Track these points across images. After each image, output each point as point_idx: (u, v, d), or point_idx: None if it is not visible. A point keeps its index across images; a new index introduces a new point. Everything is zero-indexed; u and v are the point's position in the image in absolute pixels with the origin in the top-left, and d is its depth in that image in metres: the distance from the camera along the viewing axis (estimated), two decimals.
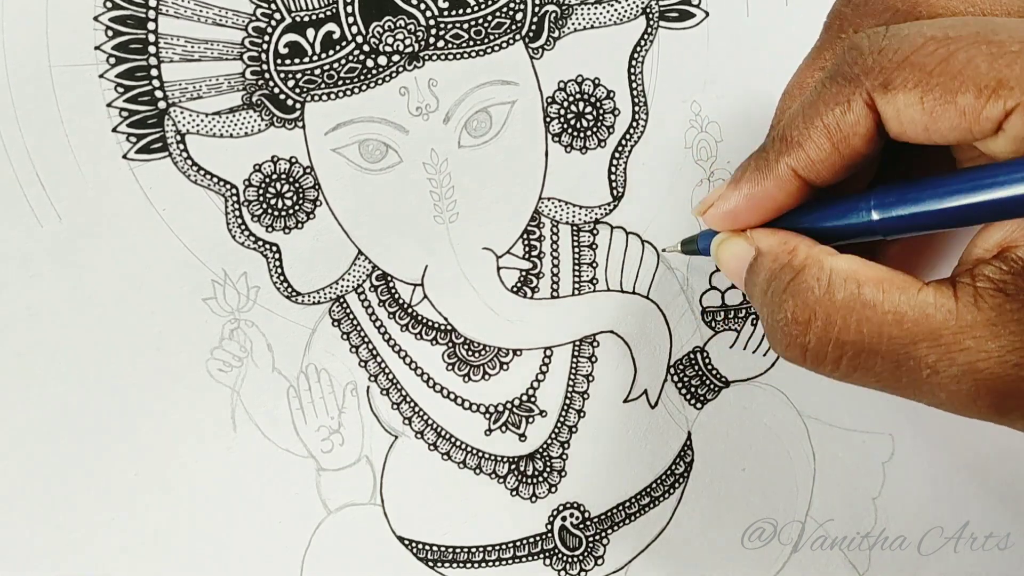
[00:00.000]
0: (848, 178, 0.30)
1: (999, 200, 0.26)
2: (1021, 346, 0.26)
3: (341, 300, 0.38)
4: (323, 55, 0.36)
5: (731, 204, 0.31)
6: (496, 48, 0.37)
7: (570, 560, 0.39)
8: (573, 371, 0.39)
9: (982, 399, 0.27)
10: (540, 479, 0.39)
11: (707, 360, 0.40)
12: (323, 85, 0.36)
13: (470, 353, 0.39)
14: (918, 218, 0.28)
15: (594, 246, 0.39)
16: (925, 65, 0.27)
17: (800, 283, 0.29)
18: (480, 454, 0.39)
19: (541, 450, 0.39)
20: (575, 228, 0.39)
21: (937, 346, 0.27)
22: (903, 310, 0.27)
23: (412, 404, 0.39)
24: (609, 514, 0.40)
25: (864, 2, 0.31)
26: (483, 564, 0.39)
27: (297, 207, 0.37)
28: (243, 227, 0.37)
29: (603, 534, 0.40)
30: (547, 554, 0.39)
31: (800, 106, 0.30)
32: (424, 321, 0.38)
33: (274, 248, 0.37)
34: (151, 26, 0.35)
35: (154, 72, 0.36)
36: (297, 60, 0.36)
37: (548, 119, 0.38)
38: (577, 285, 0.39)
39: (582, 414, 0.39)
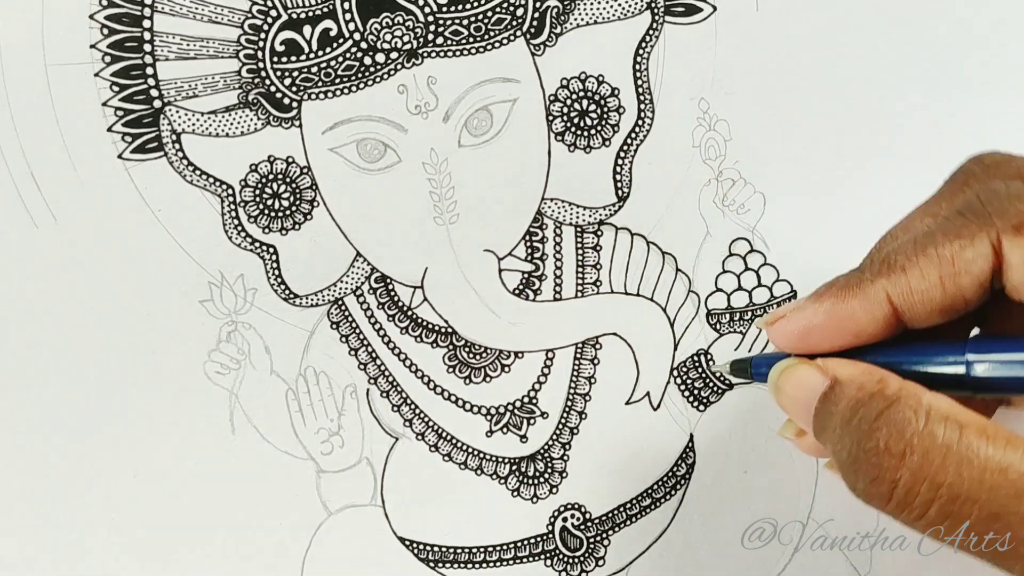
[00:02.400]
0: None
1: None
2: None
3: (339, 302, 0.37)
4: (320, 52, 0.35)
5: (807, 318, 0.28)
6: (497, 45, 0.36)
7: (571, 561, 0.39)
8: (575, 373, 0.39)
9: None
10: (541, 480, 0.39)
11: (711, 363, 0.39)
12: (320, 83, 0.36)
13: (471, 355, 0.38)
14: (1021, 383, 0.26)
15: (598, 248, 0.38)
16: None
17: (896, 412, 0.25)
18: (481, 455, 0.39)
19: (542, 451, 0.39)
20: (579, 229, 0.38)
21: None
22: (1009, 461, 0.25)
23: (413, 406, 0.38)
24: (610, 515, 0.39)
25: (995, 165, 0.29)
26: (484, 565, 0.39)
27: (294, 208, 0.36)
28: (240, 228, 0.36)
29: (604, 535, 0.40)
30: (548, 555, 0.39)
31: (913, 235, 0.27)
32: (424, 324, 0.38)
33: (271, 250, 0.37)
34: (146, 24, 0.35)
35: (149, 71, 0.35)
36: (294, 58, 0.35)
37: (551, 117, 0.37)
38: (580, 287, 0.39)
39: (584, 416, 0.39)
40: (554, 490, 0.39)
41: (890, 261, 0.27)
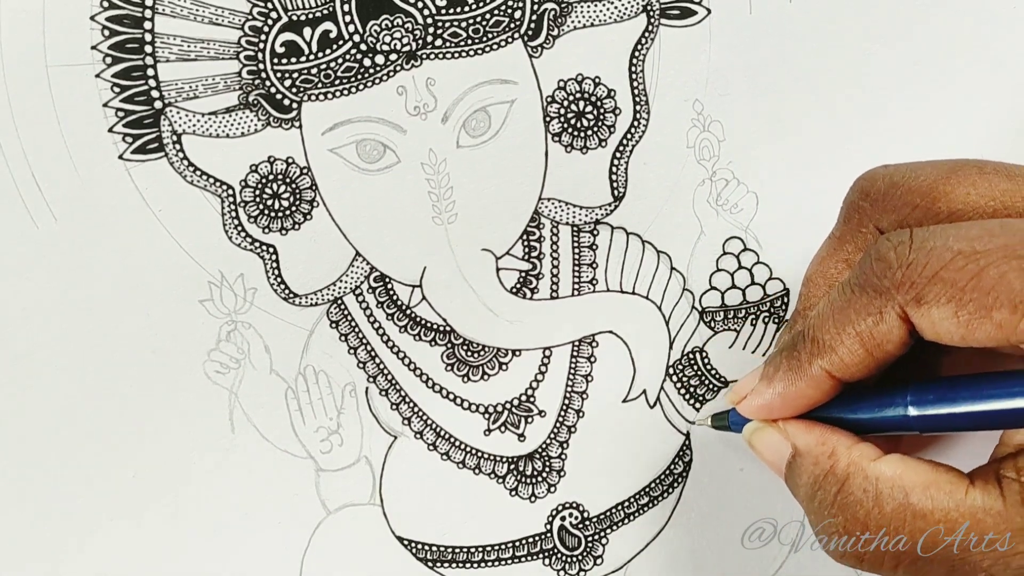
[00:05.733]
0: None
1: None
2: None
3: (339, 302, 0.38)
4: (320, 54, 0.36)
5: (765, 399, 0.32)
6: (495, 47, 0.37)
7: (569, 560, 0.40)
8: (572, 371, 0.39)
9: None
10: (539, 479, 0.39)
11: (706, 360, 0.40)
12: (320, 84, 0.36)
13: (469, 354, 0.39)
14: (957, 419, 0.29)
15: (594, 247, 0.39)
16: (956, 281, 0.27)
17: (847, 496, 0.29)
18: (479, 454, 0.39)
19: (540, 450, 0.39)
20: (575, 229, 0.39)
21: (991, 552, 0.27)
22: (954, 517, 0.28)
23: (411, 404, 0.39)
24: (608, 514, 0.40)
25: (882, 198, 0.32)
26: (482, 564, 0.39)
27: (294, 208, 0.37)
28: (240, 228, 0.37)
29: (602, 534, 0.40)
30: (546, 554, 0.39)
31: (829, 309, 0.30)
32: (423, 322, 0.38)
33: (271, 249, 0.37)
34: (147, 25, 0.35)
35: (150, 72, 0.35)
36: (294, 59, 0.36)
37: (548, 118, 0.38)
38: (577, 286, 0.39)
39: (581, 414, 0.39)
40: (552, 489, 0.39)
41: (819, 341, 0.30)
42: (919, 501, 0.28)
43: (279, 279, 0.37)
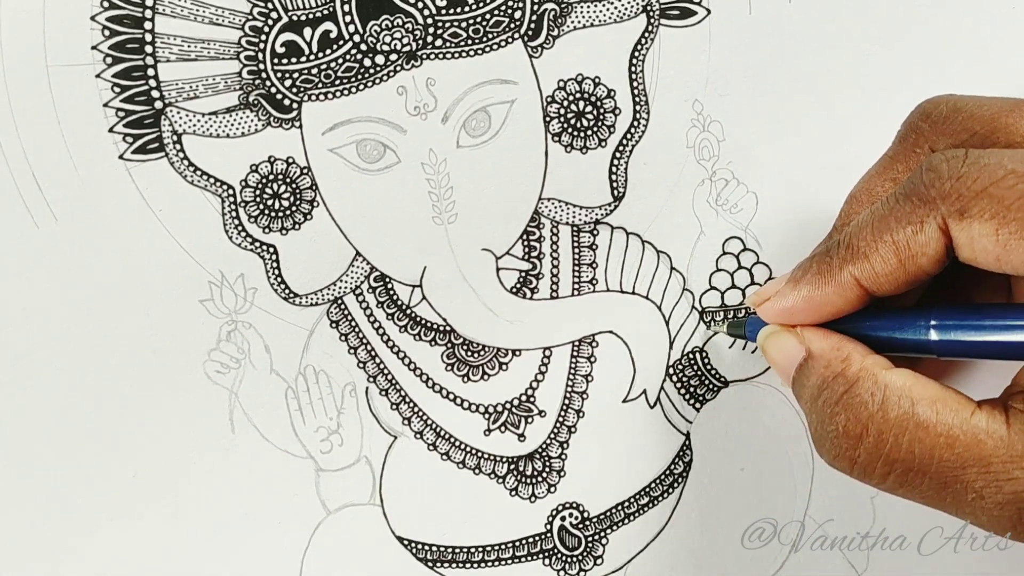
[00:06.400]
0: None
1: None
2: None
3: (339, 301, 0.38)
4: (320, 54, 0.36)
5: (788, 302, 0.32)
6: (495, 47, 0.37)
7: (569, 560, 0.40)
8: (572, 371, 0.39)
9: (1023, 524, 0.28)
10: (539, 479, 0.39)
11: (706, 360, 0.40)
12: (320, 85, 0.36)
13: (469, 354, 0.39)
14: (978, 346, 0.29)
15: (594, 247, 0.39)
16: (1004, 198, 0.27)
17: (853, 396, 0.29)
18: (479, 454, 0.39)
19: (540, 450, 0.39)
20: (575, 229, 0.39)
21: (986, 473, 0.27)
22: (955, 433, 0.28)
23: (411, 404, 0.39)
24: (608, 514, 0.40)
25: (942, 120, 0.32)
26: (482, 564, 0.39)
27: (294, 208, 0.37)
28: (240, 228, 0.37)
29: (602, 534, 0.40)
30: (546, 554, 0.39)
31: (869, 217, 0.30)
32: (423, 322, 0.38)
33: (271, 249, 0.37)
34: (148, 25, 0.35)
35: (151, 72, 0.35)
36: (294, 59, 0.36)
37: (548, 118, 0.38)
38: (577, 286, 0.39)
39: (581, 414, 0.39)
40: (552, 489, 0.39)
41: (853, 247, 0.30)
42: (924, 413, 0.28)
43: (279, 279, 0.37)
